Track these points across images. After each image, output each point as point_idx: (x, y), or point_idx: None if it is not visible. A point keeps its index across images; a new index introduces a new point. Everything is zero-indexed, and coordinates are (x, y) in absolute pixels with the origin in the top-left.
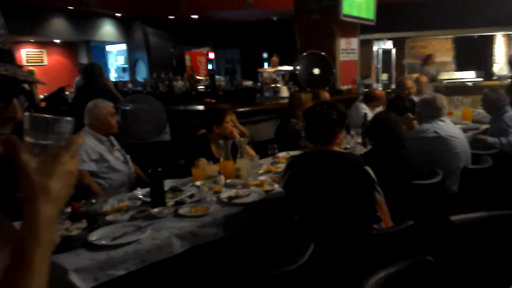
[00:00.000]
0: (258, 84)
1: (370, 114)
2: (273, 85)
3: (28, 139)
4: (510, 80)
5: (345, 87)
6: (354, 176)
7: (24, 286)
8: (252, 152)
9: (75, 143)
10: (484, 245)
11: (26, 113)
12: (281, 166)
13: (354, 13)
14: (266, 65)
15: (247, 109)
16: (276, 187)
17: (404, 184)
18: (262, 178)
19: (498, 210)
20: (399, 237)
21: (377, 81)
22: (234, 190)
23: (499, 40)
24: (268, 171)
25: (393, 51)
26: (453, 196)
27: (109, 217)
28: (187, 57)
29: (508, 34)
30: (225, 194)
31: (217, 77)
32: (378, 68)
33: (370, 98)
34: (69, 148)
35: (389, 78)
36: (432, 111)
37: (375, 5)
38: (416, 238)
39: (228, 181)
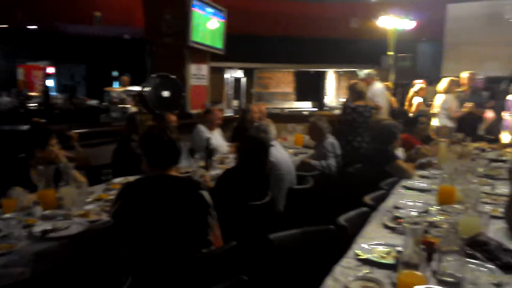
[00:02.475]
0: (104, 103)
1: (211, 137)
2: (121, 105)
3: None
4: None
5: (195, 111)
6: (187, 200)
7: None
8: (81, 178)
9: None
10: (298, 260)
11: None
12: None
13: (203, 40)
14: (116, 84)
15: (85, 130)
16: (104, 216)
17: (240, 205)
18: (90, 207)
19: (318, 225)
20: (224, 259)
21: (229, 107)
22: (51, 223)
23: (330, 76)
24: (98, 199)
25: (243, 80)
26: (280, 215)
27: None
28: (19, 71)
29: (337, 71)
30: (40, 227)
31: (54, 94)
32: (229, 95)
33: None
34: None
35: (239, 104)
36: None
37: (223, 35)
38: (242, 258)
39: (47, 212)
